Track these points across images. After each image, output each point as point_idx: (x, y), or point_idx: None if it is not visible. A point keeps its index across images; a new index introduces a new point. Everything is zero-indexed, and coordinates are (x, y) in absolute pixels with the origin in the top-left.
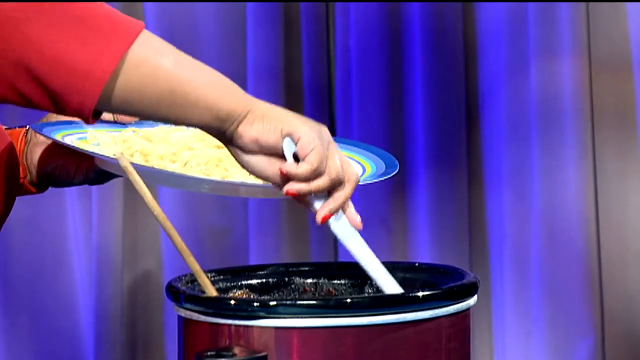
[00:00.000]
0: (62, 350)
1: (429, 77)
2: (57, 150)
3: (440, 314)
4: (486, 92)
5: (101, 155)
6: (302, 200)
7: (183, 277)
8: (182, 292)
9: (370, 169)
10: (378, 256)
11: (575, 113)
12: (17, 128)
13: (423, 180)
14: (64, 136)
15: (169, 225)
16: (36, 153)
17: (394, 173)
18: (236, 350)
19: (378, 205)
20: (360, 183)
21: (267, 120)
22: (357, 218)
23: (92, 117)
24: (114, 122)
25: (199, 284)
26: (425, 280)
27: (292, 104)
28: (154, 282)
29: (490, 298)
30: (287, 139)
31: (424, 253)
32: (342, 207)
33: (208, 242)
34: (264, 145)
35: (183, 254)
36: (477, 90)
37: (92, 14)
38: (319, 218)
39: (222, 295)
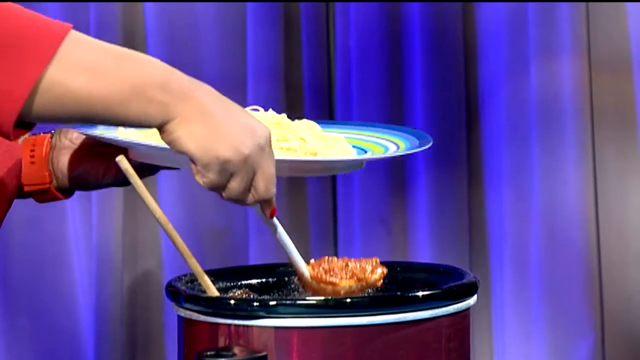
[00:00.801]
0: (62, 350)
1: (429, 77)
2: (85, 152)
3: (440, 314)
4: (486, 92)
5: (140, 143)
6: None
7: (183, 277)
8: (181, 292)
9: (403, 145)
10: (378, 256)
11: (575, 113)
12: (41, 134)
13: (423, 180)
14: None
15: (170, 227)
16: (63, 157)
17: (429, 145)
18: (236, 350)
19: (378, 205)
20: (396, 154)
21: (177, 137)
22: (268, 213)
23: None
24: None
25: (198, 284)
26: (425, 280)
27: (292, 104)
28: (154, 282)
29: (490, 298)
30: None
31: (423, 253)
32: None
33: (208, 241)
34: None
35: (185, 255)
36: (477, 90)
37: (6, 35)
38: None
39: (222, 295)
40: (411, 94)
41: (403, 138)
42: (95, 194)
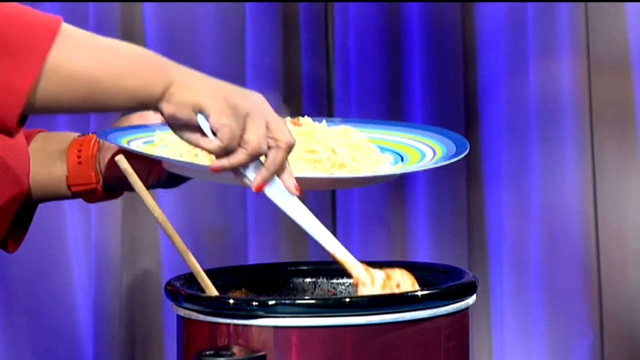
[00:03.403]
0: (60, 349)
1: (428, 76)
2: (127, 155)
3: (439, 314)
4: (485, 91)
5: (161, 156)
6: (237, 175)
7: (182, 277)
8: (181, 291)
9: (440, 151)
10: (377, 255)
11: (575, 112)
12: (89, 134)
13: (422, 180)
14: (129, 141)
15: (169, 226)
16: (106, 158)
17: (465, 154)
18: (235, 349)
19: (377, 205)
20: (431, 166)
21: (181, 95)
22: (292, 183)
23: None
24: None
25: (197, 284)
26: (424, 280)
27: (291, 104)
28: (153, 281)
29: (489, 297)
30: (199, 116)
31: (422, 252)
32: (276, 173)
33: (207, 241)
34: (182, 122)
35: (184, 254)
36: (476, 89)
37: (4, 27)
38: (253, 187)
39: (221, 294)
40: (410, 94)
41: (441, 142)
42: None
